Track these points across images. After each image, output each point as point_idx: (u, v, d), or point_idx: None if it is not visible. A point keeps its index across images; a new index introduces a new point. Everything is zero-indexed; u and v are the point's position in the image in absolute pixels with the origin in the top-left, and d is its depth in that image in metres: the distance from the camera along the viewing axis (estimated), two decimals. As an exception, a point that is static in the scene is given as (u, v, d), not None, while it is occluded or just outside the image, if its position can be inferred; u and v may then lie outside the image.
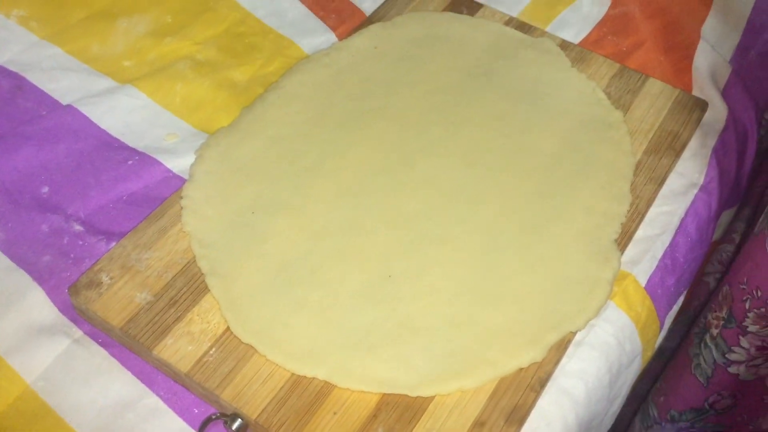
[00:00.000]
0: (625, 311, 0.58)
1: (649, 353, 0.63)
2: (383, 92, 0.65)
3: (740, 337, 0.60)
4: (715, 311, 0.62)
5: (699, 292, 0.73)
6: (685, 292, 0.70)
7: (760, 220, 0.58)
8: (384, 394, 0.49)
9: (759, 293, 0.57)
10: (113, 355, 0.52)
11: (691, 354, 0.66)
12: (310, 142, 0.61)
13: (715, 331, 0.62)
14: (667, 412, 0.71)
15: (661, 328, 0.63)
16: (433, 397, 0.50)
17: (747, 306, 0.58)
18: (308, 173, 0.59)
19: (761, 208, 0.66)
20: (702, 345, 0.64)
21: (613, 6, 0.77)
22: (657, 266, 0.60)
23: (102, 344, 0.53)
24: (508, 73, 0.68)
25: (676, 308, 0.67)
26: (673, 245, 0.62)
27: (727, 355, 0.62)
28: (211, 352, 0.50)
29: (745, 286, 0.58)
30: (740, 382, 0.64)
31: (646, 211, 0.61)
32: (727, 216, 0.72)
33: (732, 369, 0.63)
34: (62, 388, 0.50)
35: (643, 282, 0.59)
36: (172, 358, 0.50)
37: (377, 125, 0.63)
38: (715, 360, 0.63)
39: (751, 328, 0.59)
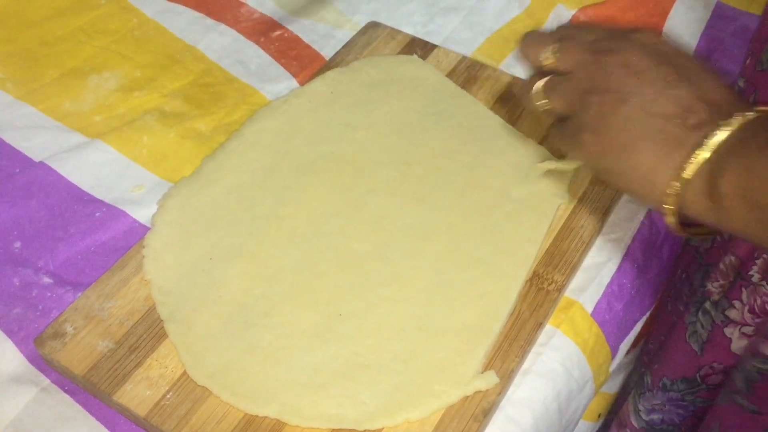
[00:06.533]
0: (572, 338, 0.60)
1: (602, 378, 0.65)
2: (337, 136, 0.68)
3: (743, 290, 0.61)
4: (717, 280, 0.64)
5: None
6: (643, 319, 0.71)
7: None
8: (333, 430, 0.52)
9: None
10: (78, 401, 0.55)
11: (687, 322, 0.67)
12: (267, 188, 0.64)
13: (717, 297, 0.64)
14: (659, 380, 0.71)
15: (613, 353, 0.65)
16: (380, 430, 0.52)
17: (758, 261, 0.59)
18: (264, 219, 0.62)
19: None
20: (700, 312, 0.65)
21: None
22: (603, 293, 0.63)
23: (68, 392, 0.55)
24: (457, 111, 0.70)
25: (632, 335, 0.69)
26: (620, 271, 0.64)
27: (726, 312, 0.63)
28: (168, 395, 0.53)
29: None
30: (731, 355, 0.64)
31: (590, 240, 0.63)
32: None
33: (728, 331, 0.63)
34: (30, 435, 0.53)
35: (589, 309, 0.62)
36: (131, 402, 0.52)
37: (331, 169, 0.65)
38: (713, 320, 0.64)
39: (755, 278, 0.60)
